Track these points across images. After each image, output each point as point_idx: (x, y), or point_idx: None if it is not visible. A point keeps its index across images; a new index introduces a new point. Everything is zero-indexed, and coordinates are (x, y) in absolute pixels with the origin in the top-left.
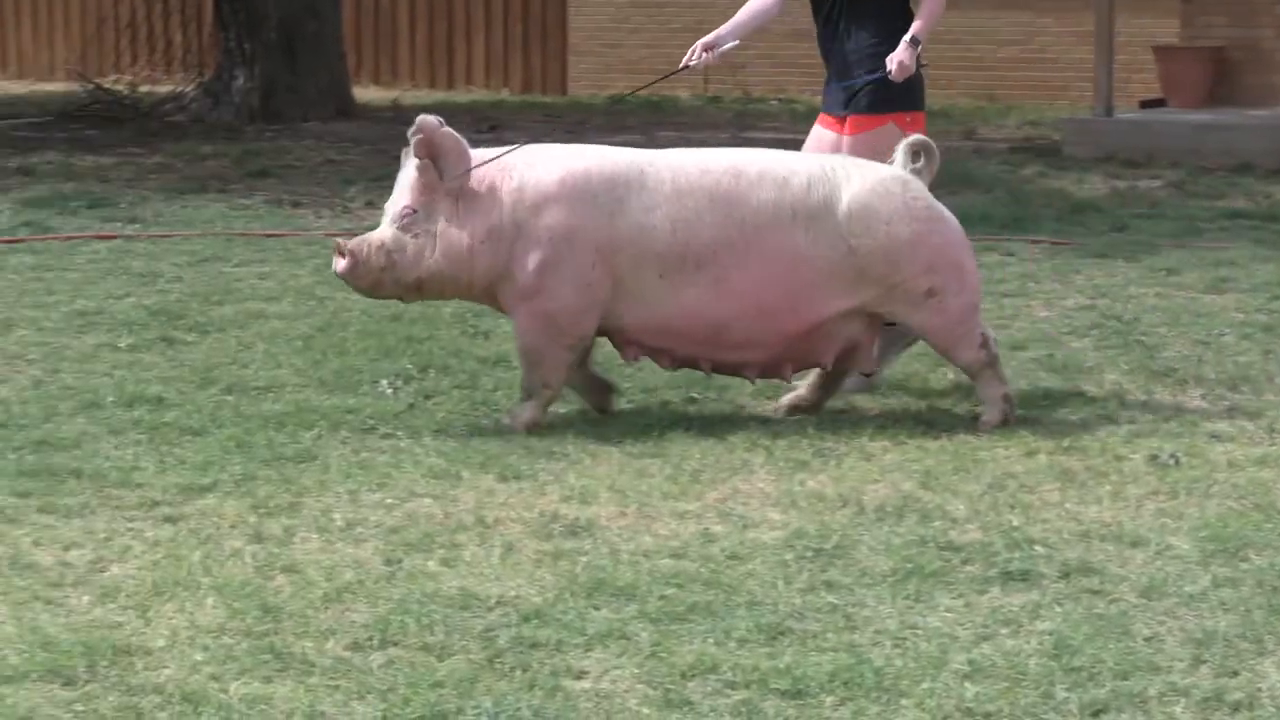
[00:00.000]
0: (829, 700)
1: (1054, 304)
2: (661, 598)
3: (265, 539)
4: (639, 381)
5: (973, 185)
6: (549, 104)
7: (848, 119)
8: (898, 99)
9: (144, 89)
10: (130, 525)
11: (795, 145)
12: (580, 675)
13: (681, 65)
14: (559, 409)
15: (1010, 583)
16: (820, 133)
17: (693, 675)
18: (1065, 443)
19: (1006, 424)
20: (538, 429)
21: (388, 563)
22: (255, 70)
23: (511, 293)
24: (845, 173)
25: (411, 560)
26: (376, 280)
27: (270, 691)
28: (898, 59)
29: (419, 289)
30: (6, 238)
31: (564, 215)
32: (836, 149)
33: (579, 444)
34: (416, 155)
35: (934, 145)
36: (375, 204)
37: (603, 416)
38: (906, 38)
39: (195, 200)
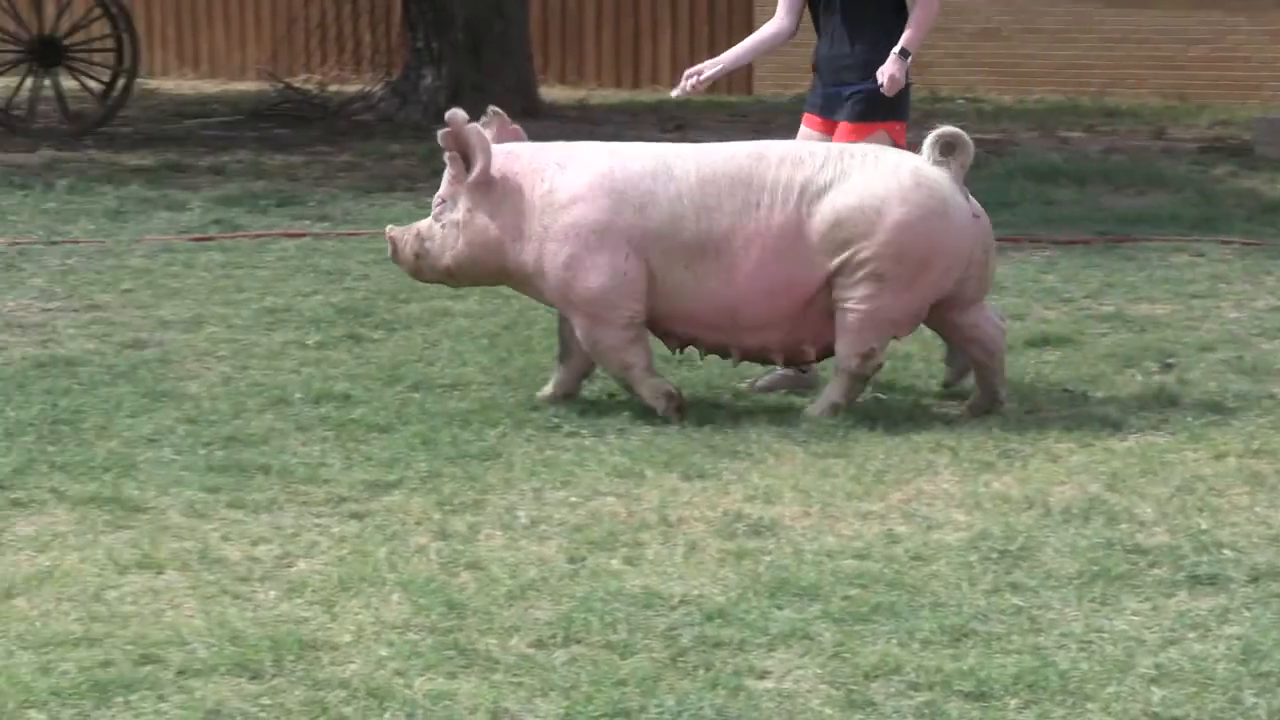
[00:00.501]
0: (1013, 703)
1: (1244, 305)
2: (845, 598)
3: (450, 536)
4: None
5: (1163, 185)
6: (734, 103)
7: (838, 125)
8: (889, 108)
9: (333, 88)
10: (317, 521)
11: (980, 146)
12: (763, 675)
13: (674, 92)
14: (743, 406)
15: (1198, 587)
16: (806, 133)
17: (876, 676)
18: (1254, 445)
19: (822, 420)
20: (675, 405)
21: (571, 560)
22: (442, 70)
23: (551, 291)
24: (865, 156)
25: (595, 558)
26: (414, 267)
27: (454, 688)
28: (888, 72)
29: (451, 275)
30: (197, 235)
31: (593, 212)
32: None
33: (762, 443)
34: (445, 148)
35: (965, 136)
36: None
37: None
38: (896, 50)
39: (383, 198)
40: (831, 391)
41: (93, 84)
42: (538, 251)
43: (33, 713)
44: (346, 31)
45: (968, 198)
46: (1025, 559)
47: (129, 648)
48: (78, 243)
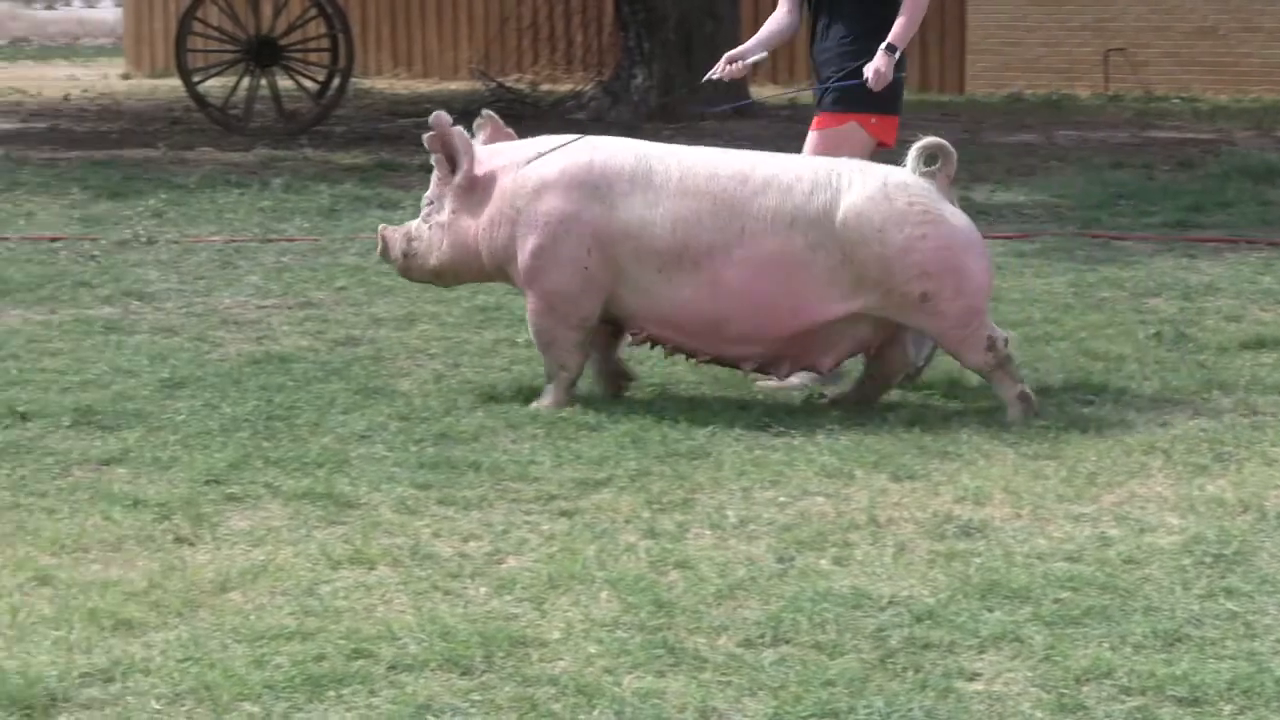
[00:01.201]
0: (1227, 709)
1: None
2: (1056, 601)
3: (659, 534)
4: (1030, 381)
5: None
6: (946, 102)
7: (816, 115)
8: (863, 100)
9: (544, 88)
10: (527, 518)
11: (1194, 145)
12: (973, 677)
13: (704, 78)
14: (951, 406)
15: None
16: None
17: (1087, 680)
18: None
19: (1028, 419)
20: (562, 409)
21: (780, 560)
22: (654, 69)
23: (517, 275)
24: (848, 179)
25: (804, 558)
26: (403, 266)
27: (663, 686)
28: (874, 67)
29: (438, 276)
30: None
31: (561, 202)
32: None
33: (973, 444)
34: (430, 149)
35: (949, 146)
36: None
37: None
38: (883, 45)
39: None
40: (1002, 392)
41: (308, 83)
42: (509, 235)
43: (247, 705)
44: (558, 31)
45: (954, 203)
46: (1240, 564)
47: (341, 642)
48: (292, 240)
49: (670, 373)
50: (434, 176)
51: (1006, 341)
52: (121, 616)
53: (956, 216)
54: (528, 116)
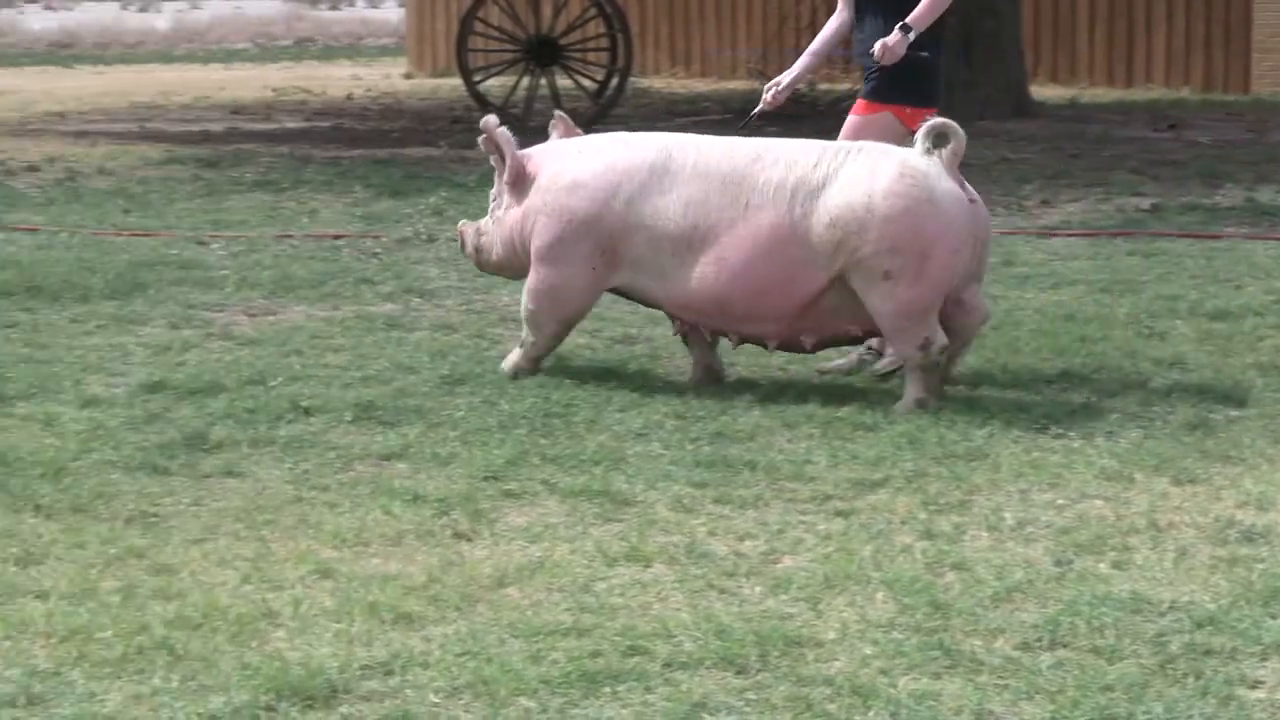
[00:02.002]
0: None
1: None
2: None
3: (935, 535)
4: None
5: None
6: (1230, 102)
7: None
8: (899, 91)
9: (822, 86)
10: (803, 518)
11: None
12: (1255, 685)
13: (754, 112)
14: (1232, 412)
15: None
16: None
17: None
18: None
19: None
20: (522, 374)
21: (1058, 563)
22: None
23: (530, 256)
24: (855, 154)
25: (1082, 562)
26: (476, 260)
27: (938, 688)
28: (884, 41)
29: (501, 268)
30: None
31: (587, 202)
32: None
33: (1256, 449)
34: (485, 150)
35: (957, 127)
36: (1050, 202)
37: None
38: (900, 25)
39: None
40: (912, 389)
41: (587, 83)
42: (526, 223)
43: (523, 700)
44: None
45: (963, 184)
46: None
47: (617, 639)
48: None
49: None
50: (497, 175)
51: (941, 349)
52: (401, 610)
53: (948, 202)
54: (805, 116)
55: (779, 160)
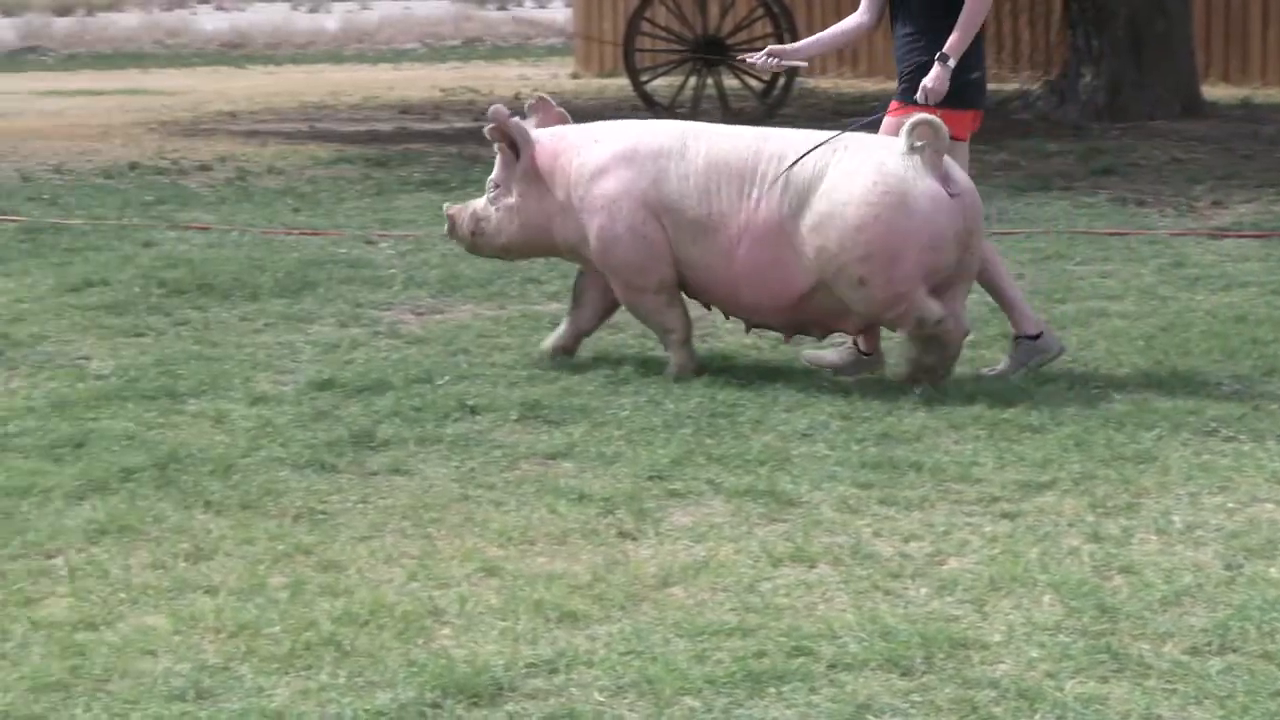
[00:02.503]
0: None
1: None
2: None
3: (1103, 538)
4: None
5: None
6: None
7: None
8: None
9: (990, 86)
10: (968, 520)
11: None
12: None
13: (748, 59)
14: None
15: None
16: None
17: None
18: None
19: (918, 382)
20: (689, 371)
21: (1228, 567)
22: (1102, 68)
23: (593, 258)
24: (844, 152)
25: (1252, 566)
26: (471, 244)
27: (1105, 692)
28: (926, 83)
29: (507, 252)
30: None
31: (614, 183)
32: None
33: None
34: (491, 139)
35: (940, 124)
36: (1222, 203)
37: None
38: (938, 56)
39: (1039, 197)
40: (910, 354)
41: (754, 82)
42: (577, 222)
43: (688, 699)
44: (1005, 30)
45: (948, 179)
46: None
47: (781, 639)
48: None
49: (1115, 375)
50: (498, 161)
51: (938, 321)
52: (566, 609)
53: (923, 203)
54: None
55: (776, 155)
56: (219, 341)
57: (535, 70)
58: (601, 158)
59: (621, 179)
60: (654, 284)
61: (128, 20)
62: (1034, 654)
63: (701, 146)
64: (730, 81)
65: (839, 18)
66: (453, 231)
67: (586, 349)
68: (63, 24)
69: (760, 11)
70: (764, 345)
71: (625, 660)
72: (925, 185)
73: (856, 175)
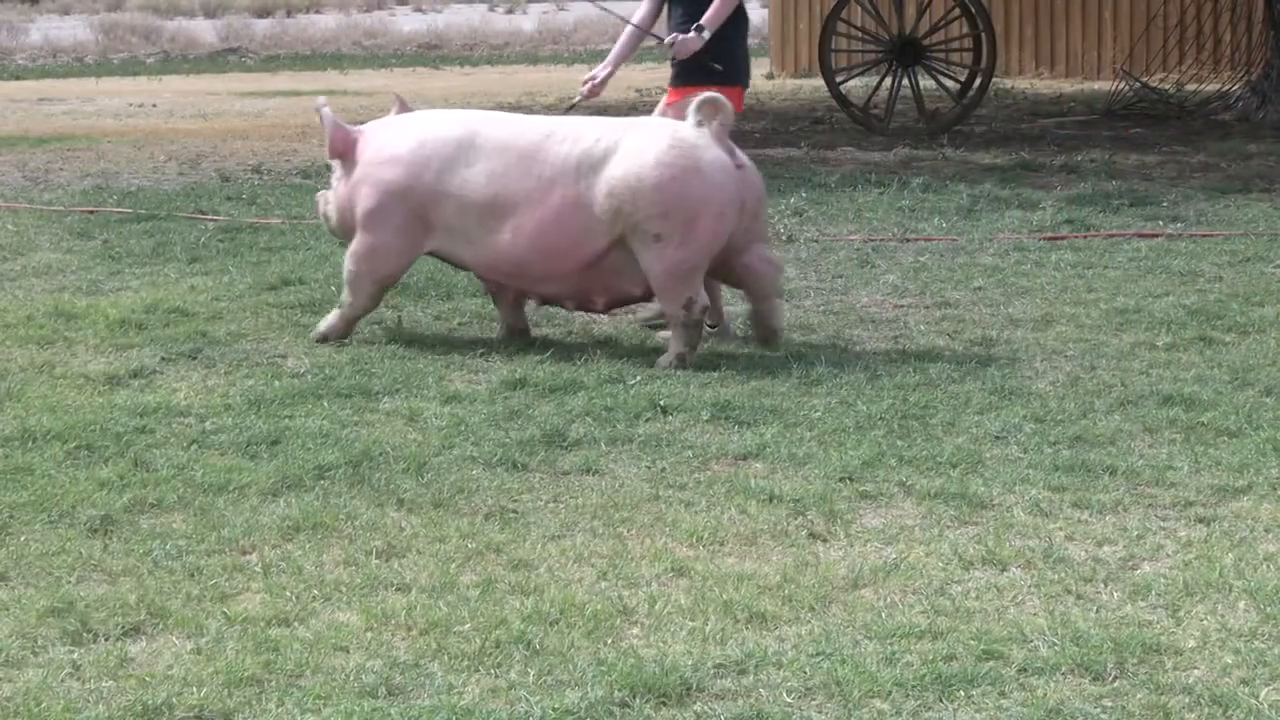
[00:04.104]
0: None
1: None
2: None
3: None
4: None
5: None
6: None
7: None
8: (699, 74)
9: (1190, 87)
10: (1163, 524)
11: None
12: None
13: (567, 107)
14: None
15: None
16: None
17: None
18: None
19: (676, 368)
20: (330, 339)
21: None
22: None
23: (354, 221)
24: (635, 128)
25: None
26: (328, 226)
27: None
28: (680, 36)
29: (338, 233)
30: (1049, 234)
31: (400, 174)
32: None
33: None
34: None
35: (725, 101)
36: None
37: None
38: (695, 26)
39: (1239, 199)
40: (674, 344)
41: (949, 83)
42: (353, 193)
43: (876, 702)
44: (1206, 30)
45: (733, 152)
46: None
47: (971, 642)
48: (930, 240)
49: None
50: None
51: (703, 309)
52: (755, 609)
53: (714, 170)
54: (1172, 117)
55: (567, 137)
56: (413, 340)
57: None
58: (395, 145)
59: (409, 171)
60: (384, 275)
61: (326, 21)
62: (1228, 660)
63: (492, 133)
64: (925, 82)
65: (1036, 16)
66: (318, 213)
67: (784, 349)
68: (263, 25)
69: (957, 11)
70: (956, 347)
71: (814, 662)
72: (715, 155)
73: (651, 144)
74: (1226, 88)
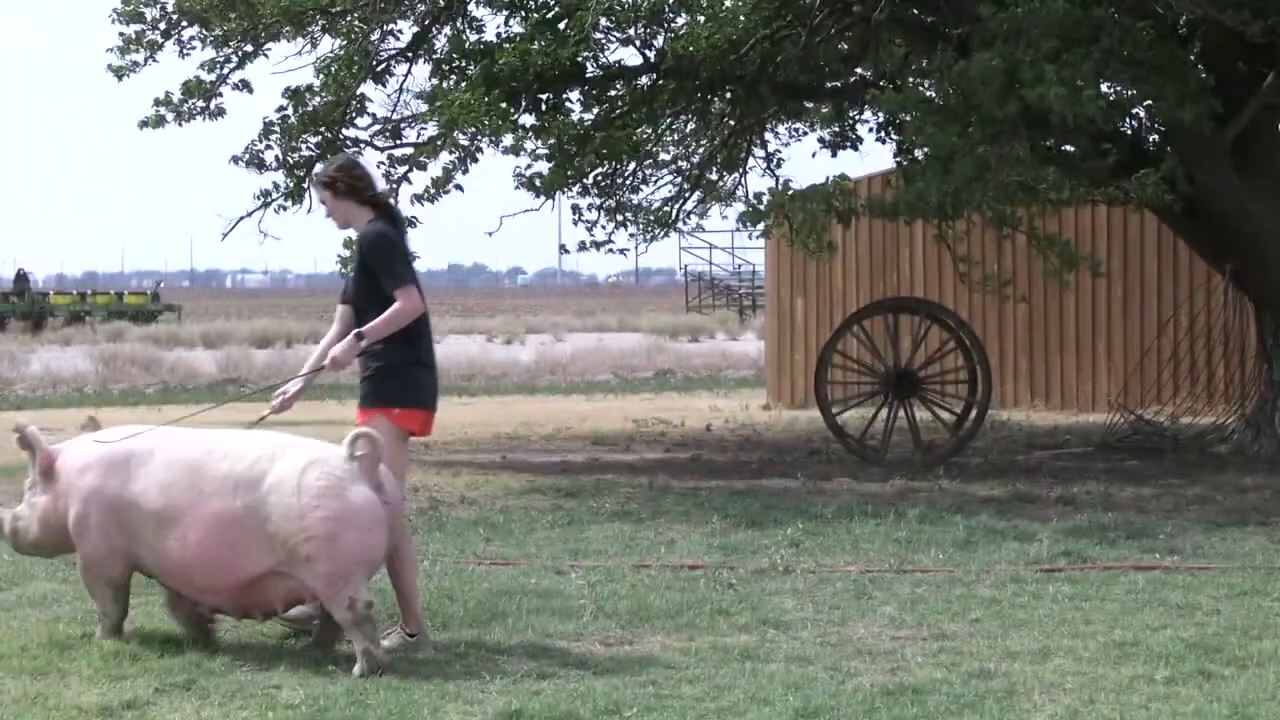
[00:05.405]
0: None
1: None
2: None
3: None
4: None
5: None
6: None
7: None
8: (384, 395)
9: (1185, 420)
10: None
11: None
12: None
13: (264, 415)
14: None
15: None
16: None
17: None
18: None
19: (375, 673)
20: (108, 635)
21: None
22: None
23: (59, 534)
24: (284, 451)
25: None
26: (14, 542)
27: None
28: (335, 352)
29: (38, 547)
30: (1046, 566)
31: (94, 479)
32: None
33: None
34: (20, 446)
35: (378, 437)
36: None
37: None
38: (354, 332)
39: (1235, 532)
40: (358, 644)
41: (945, 415)
42: (65, 509)
43: None
44: (1200, 363)
45: (381, 488)
46: None
47: None
48: (927, 571)
49: None
50: (31, 465)
51: (368, 605)
52: None
53: (358, 496)
54: (1167, 450)
55: (228, 455)
56: (409, 671)
57: (726, 401)
58: (87, 456)
59: (99, 476)
60: (107, 577)
61: None
62: None
63: (168, 447)
64: (921, 413)
65: (1031, 349)
66: (1, 530)
67: (781, 682)
68: (262, 355)
69: (952, 343)
70: (954, 680)
71: None
72: (359, 486)
73: (301, 474)
74: (1221, 420)
